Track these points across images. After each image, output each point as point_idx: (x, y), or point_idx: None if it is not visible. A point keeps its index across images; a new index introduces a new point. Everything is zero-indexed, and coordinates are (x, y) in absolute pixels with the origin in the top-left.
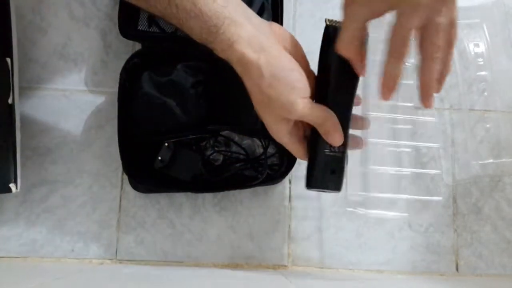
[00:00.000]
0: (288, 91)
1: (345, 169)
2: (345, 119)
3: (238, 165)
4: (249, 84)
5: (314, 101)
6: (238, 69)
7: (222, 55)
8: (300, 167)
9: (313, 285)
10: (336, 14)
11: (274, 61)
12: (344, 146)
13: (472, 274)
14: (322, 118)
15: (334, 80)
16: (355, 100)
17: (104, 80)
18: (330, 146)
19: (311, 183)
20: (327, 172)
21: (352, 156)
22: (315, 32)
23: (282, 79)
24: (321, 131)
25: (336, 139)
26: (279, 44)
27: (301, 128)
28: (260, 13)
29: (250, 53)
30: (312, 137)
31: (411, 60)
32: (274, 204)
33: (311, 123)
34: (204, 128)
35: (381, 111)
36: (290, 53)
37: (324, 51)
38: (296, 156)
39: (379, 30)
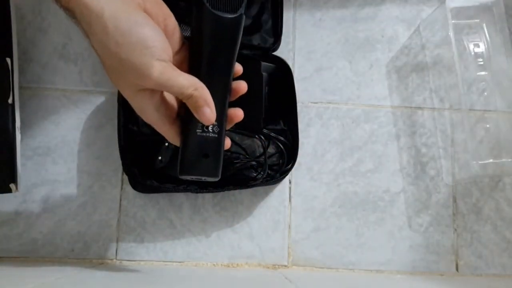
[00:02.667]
0: (139, 51)
1: (222, 152)
2: (220, 93)
3: (238, 165)
4: (95, 44)
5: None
6: (83, 26)
7: (66, 5)
8: (300, 167)
9: (313, 285)
10: (337, 14)
11: (122, 14)
12: (221, 125)
13: (472, 274)
14: (187, 88)
15: (207, 47)
16: (235, 70)
17: (104, 80)
18: (202, 125)
19: (181, 170)
20: (199, 156)
21: None
22: (315, 32)
23: (132, 36)
24: (189, 105)
25: (206, 115)
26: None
27: (173, 106)
28: (260, 13)
29: (94, 3)
30: (185, 116)
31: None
32: (274, 204)
33: (175, 94)
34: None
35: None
36: (151, 14)
37: (197, 14)
38: (168, 140)
39: None
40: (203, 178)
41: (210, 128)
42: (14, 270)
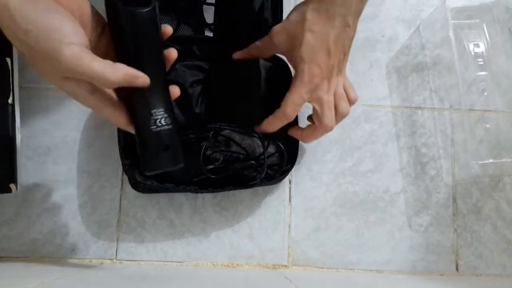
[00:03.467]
0: (47, 36)
1: (179, 138)
2: (158, 83)
3: (238, 165)
4: (8, 36)
5: None
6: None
7: None
8: (300, 167)
9: (313, 285)
10: None
11: (27, 3)
12: (170, 113)
13: (472, 274)
14: (103, 74)
15: (129, 42)
16: (169, 56)
17: None
18: (155, 120)
19: (146, 169)
20: (160, 151)
21: None
22: None
23: (38, 22)
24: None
25: (139, 83)
26: None
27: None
28: (260, 12)
29: None
30: (132, 113)
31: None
32: (274, 204)
33: (91, 80)
34: (204, 126)
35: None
36: (62, 2)
37: (111, 12)
38: (116, 124)
39: None
40: (168, 169)
41: (163, 121)
42: (14, 270)
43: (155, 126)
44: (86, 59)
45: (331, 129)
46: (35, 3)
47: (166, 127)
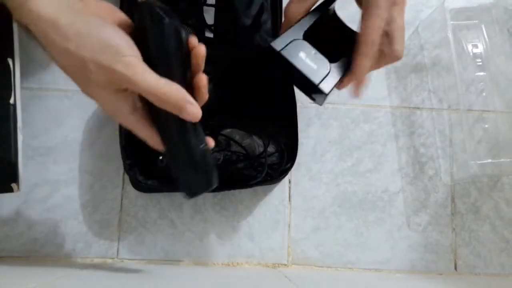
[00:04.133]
0: (104, 50)
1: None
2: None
3: (238, 164)
4: (56, 54)
5: None
6: (40, 38)
7: (16, 16)
8: (300, 167)
9: (312, 284)
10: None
11: (78, 19)
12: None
13: (470, 273)
14: (157, 86)
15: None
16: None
17: None
18: (201, 138)
19: (198, 190)
20: (212, 169)
21: None
22: None
23: (93, 37)
24: (167, 107)
25: (191, 112)
26: (88, 9)
27: (144, 108)
28: (260, 13)
29: (49, 13)
30: (173, 129)
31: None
32: (274, 204)
33: (145, 91)
34: (205, 125)
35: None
36: (103, 16)
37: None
38: (151, 144)
39: None
40: (212, 188)
41: (202, 138)
42: (16, 269)
43: (203, 144)
44: (142, 70)
45: (400, 58)
46: (85, 18)
47: (204, 146)
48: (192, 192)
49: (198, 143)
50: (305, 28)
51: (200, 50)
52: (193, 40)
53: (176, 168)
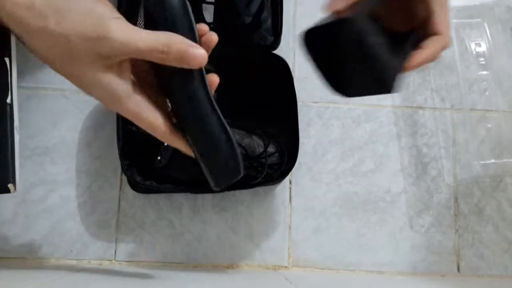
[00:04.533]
0: (86, 18)
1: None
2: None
3: None
4: (34, 39)
5: None
6: (14, 28)
7: None
8: (301, 167)
9: (313, 286)
10: None
11: None
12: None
13: (473, 274)
14: (155, 43)
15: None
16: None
17: None
18: (226, 124)
19: (219, 183)
20: (239, 157)
21: None
22: None
23: (71, 10)
24: (172, 61)
25: (197, 56)
26: None
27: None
28: (260, 11)
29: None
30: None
31: None
32: (274, 204)
33: (145, 53)
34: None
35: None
36: None
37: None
38: (154, 130)
39: None
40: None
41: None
42: (13, 271)
43: (227, 130)
44: (132, 28)
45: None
46: None
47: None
48: (221, 182)
49: (222, 129)
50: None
51: (212, 38)
52: (204, 27)
53: (203, 157)
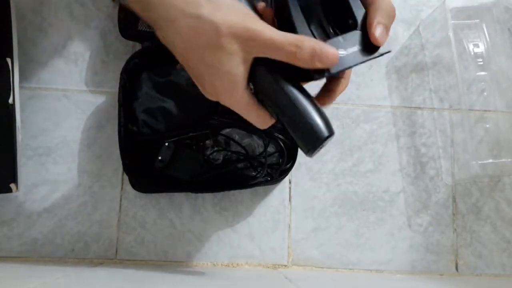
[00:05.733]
0: (234, 10)
1: None
2: None
3: (238, 164)
4: (184, 27)
5: None
6: (162, 11)
7: (131, 7)
8: (300, 167)
9: (313, 285)
10: None
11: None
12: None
13: (471, 274)
14: (297, 41)
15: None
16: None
17: (104, 80)
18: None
19: (313, 147)
20: (318, 120)
21: None
22: None
23: (222, 1)
24: (304, 58)
25: (330, 54)
26: None
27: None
28: None
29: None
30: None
31: None
32: (274, 204)
33: (283, 55)
34: (205, 124)
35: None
36: None
37: None
38: (258, 125)
39: None
40: (327, 141)
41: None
42: (15, 270)
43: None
44: (271, 27)
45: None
46: None
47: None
48: (317, 145)
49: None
50: None
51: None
52: (262, 4)
53: (295, 126)
